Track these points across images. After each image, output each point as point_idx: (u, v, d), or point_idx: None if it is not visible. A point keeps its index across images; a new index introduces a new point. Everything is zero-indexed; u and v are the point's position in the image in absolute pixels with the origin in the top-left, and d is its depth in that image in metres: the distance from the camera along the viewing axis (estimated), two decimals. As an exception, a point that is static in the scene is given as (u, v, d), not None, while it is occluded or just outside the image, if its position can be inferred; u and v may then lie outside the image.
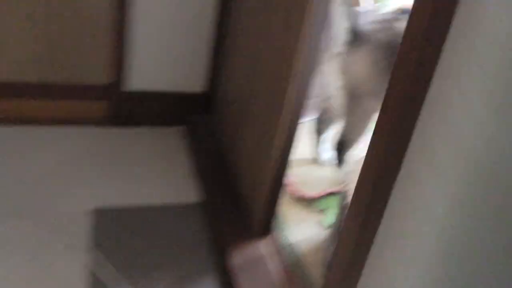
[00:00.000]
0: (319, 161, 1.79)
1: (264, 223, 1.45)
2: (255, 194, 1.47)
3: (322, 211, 1.59)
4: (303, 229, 1.52)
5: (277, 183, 1.40)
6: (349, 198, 1.28)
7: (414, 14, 0.70)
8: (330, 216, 1.55)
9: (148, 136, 1.90)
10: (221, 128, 1.85)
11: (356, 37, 1.49)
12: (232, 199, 1.59)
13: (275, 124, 1.33)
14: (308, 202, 1.61)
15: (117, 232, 1.45)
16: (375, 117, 1.60)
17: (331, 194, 1.65)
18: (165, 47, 1.86)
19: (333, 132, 1.75)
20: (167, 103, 1.96)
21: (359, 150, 1.80)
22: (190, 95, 1.98)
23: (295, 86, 1.24)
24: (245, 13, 1.64)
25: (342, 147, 1.64)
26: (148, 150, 1.82)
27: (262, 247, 1.42)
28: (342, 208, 1.32)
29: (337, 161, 1.68)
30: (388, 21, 1.54)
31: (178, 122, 1.99)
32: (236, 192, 1.60)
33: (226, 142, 1.77)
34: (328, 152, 1.77)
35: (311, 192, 1.63)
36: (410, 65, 0.71)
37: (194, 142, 1.88)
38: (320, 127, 1.76)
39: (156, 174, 1.70)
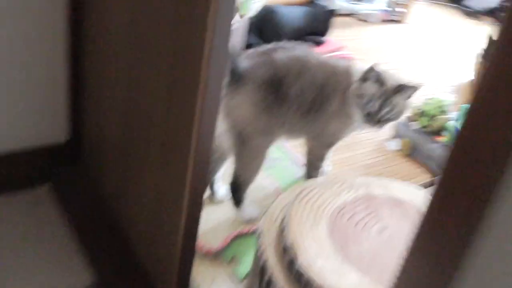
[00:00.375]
0: (215, 200, 1.67)
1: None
2: (163, 261, 1.30)
3: (232, 260, 1.49)
4: (219, 289, 1.40)
5: (190, 242, 1.22)
6: (262, 242, 1.19)
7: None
8: (244, 264, 1.46)
9: (6, 208, 1.57)
10: (100, 180, 1.61)
11: (236, 78, 1.37)
12: (132, 272, 1.40)
13: (182, 165, 1.12)
14: (215, 255, 1.49)
15: None
16: (267, 154, 1.54)
17: (237, 237, 1.55)
18: (7, 96, 1.53)
19: (224, 170, 1.64)
20: (23, 163, 1.64)
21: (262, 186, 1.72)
22: (51, 147, 1.69)
23: (205, 115, 1.04)
24: (111, 40, 1.39)
25: (237, 188, 1.54)
26: (11, 225, 1.51)
27: (179, 326, 1.27)
28: (258, 250, 1.22)
29: (234, 202, 1.57)
30: (266, 53, 1.45)
31: (42, 181, 1.69)
32: (136, 262, 1.41)
33: (110, 196, 1.55)
34: (222, 189, 1.66)
35: (216, 243, 1.50)
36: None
37: (68, 203, 1.62)
38: (211, 166, 1.63)
39: (28, 258, 1.42)
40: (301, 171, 1.85)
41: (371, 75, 1.47)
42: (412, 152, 2.20)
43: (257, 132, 1.44)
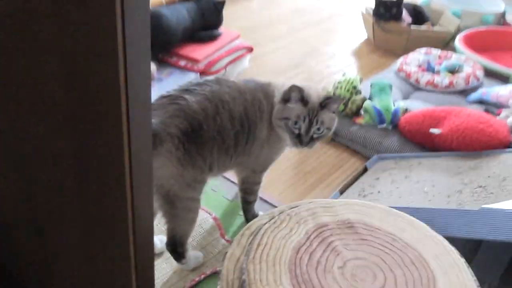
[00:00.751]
0: (155, 252, 1.52)
1: None
2: None
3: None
4: None
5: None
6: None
7: None
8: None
9: None
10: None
11: None
12: None
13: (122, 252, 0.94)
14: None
15: None
16: (200, 201, 1.40)
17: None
18: None
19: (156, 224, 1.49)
20: None
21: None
22: None
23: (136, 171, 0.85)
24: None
25: (175, 246, 1.40)
26: None
27: None
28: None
29: (175, 258, 1.43)
30: (176, 99, 1.28)
31: None
32: None
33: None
34: (160, 239, 1.51)
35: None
36: None
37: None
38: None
39: None
40: (233, 190, 1.75)
41: (292, 94, 1.37)
42: (334, 138, 2.17)
43: (186, 186, 1.29)
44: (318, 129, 1.38)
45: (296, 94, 1.35)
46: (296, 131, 1.37)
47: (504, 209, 1.32)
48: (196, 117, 1.27)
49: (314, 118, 1.36)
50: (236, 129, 1.36)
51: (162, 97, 1.30)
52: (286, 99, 1.37)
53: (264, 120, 1.41)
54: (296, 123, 1.36)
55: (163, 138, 1.21)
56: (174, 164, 1.24)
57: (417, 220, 1.34)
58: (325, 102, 1.37)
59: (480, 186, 1.49)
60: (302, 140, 1.37)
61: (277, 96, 1.41)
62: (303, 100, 1.35)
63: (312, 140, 1.39)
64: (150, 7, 2.39)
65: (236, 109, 1.35)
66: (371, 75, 2.81)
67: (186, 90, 1.32)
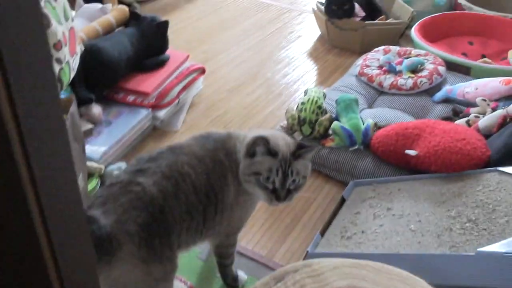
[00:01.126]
0: None
1: None
2: None
3: None
4: None
5: None
6: None
7: None
8: None
9: None
10: None
11: (103, 245, 1.02)
12: None
13: None
14: None
15: None
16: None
17: None
18: None
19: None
20: None
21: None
22: None
23: None
24: None
25: None
26: None
27: None
28: None
29: None
30: (129, 186, 1.11)
31: None
32: None
33: None
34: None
35: None
36: None
37: None
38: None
39: None
40: (205, 248, 1.60)
41: (258, 148, 1.22)
42: (305, 164, 2.04)
43: (155, 282, 1.13)
44: (294, 180, 1.24)
45: (261, 148, 1.21)
46: (270, 186, 1.22)
47: (502, 252, 1.23)
48: (155, 203, 1.10)
49: (288, 169, 1.22)
50: (203, 202, 1.20)
51: (112, 184, 1.13)
52: (251, 153, 1.22)
53: (230, 183, 1.26)
54: (268, 178, 1.21)
55: (121, 240, 1.04)
56: (139, 265, 1.07)
57: (412, 276, 1.24)
58: (298, 153, 1.24)
59: (470, 221, 1.40)
60: (279, 195, 1.23)
61: (240, 150, 1.26)
62: (271, 151, 1.21)
63: (289, 193, 1.25)
64: (86, 40, 2.17)
65: (199, 181, 1.19)
66: (331, 80, 2.69)
67: (139, 170, 1.14)
